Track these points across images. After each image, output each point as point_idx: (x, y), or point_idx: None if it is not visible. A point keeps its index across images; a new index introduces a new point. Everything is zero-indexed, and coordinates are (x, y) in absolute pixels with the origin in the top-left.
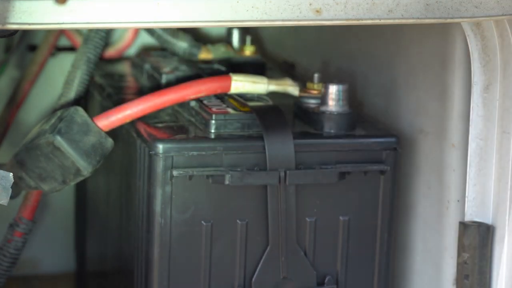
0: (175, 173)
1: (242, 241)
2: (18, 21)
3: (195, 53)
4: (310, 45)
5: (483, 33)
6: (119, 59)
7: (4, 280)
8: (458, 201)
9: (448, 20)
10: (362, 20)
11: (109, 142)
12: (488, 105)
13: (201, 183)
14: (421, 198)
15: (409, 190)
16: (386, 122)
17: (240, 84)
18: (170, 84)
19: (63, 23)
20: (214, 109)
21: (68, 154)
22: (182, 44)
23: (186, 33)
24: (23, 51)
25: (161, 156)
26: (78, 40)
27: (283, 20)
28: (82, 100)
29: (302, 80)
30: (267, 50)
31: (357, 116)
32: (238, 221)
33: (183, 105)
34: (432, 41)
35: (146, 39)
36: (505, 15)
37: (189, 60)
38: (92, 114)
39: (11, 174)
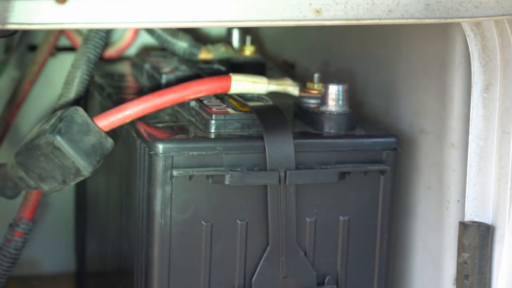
0: (175, 173)
1: (242, 241)
2: (18, 21)
3: (195, 53)
4: (310, 45)
5: (483, 33)
6: (119, 59)
7: (4, 280)
8: (458, 201)
9: (448, 20)
10: (362, 20)
11: (109, 142)
12: (488, 105)
13: (201, 183)
14: (421, 198)
15: (409, 190)
16: (386, 122)
17: (240, 84)
18: (170, 84)
19: (63, 23)
20: (214, 109)
21: (68, 154)
22: (182, 44)
23: (186, 33)
24: (23, 51)
25: (161, 156)
26: (78, 40)
27: (283, 20)
28: (82, 100)
29: (302, 80)
30: (267, 50)
31: (357, 116)
32: (238, 221)
33: (183, 105)
34: (432, 41)
35: (146, 39)
36: (505, 15)
37: (189, 60)
38: (92, 114)
39: None
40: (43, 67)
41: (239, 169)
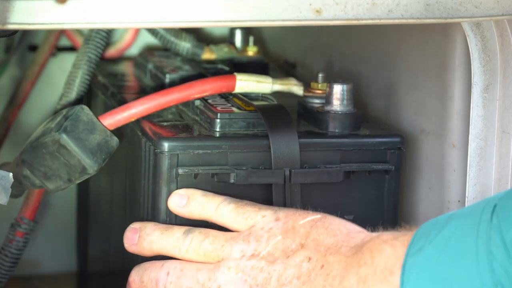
0: (180, 171)
1: None
2: (18, 21)
3: (198, 53)
4: (312, 45)
5: (483, 33)
6: (122, 58)
7: (6, 280)
8: (458, 201)
9: (448, 20)
10: (362, 20)
11: (115, 140)
12: (488, 105)
13: (206, 181)
14: (422, 198)
15: (410, 190)
16: (387, 122)
17: (245, 83)
18: (173, 84)
19: (63, 23)
20: (219, 108)
21: (74, 152)
22: (185, 45)
23: (189, 33)
24: (23, 51)
25: (166, 154)
26: (79, 40)
27: (283, 20)
28: (84, 100)
29: (304, 80)
30: (269, 50)
31: (362, 115)
32: None
33: (187, 104)
34: (432, 41)
35: (148, 39)
36: (505, 15)
37: (192, 60)
38: (95, 113)
39: (11, 174)
40: (44, 67)
41: (244, 168)
